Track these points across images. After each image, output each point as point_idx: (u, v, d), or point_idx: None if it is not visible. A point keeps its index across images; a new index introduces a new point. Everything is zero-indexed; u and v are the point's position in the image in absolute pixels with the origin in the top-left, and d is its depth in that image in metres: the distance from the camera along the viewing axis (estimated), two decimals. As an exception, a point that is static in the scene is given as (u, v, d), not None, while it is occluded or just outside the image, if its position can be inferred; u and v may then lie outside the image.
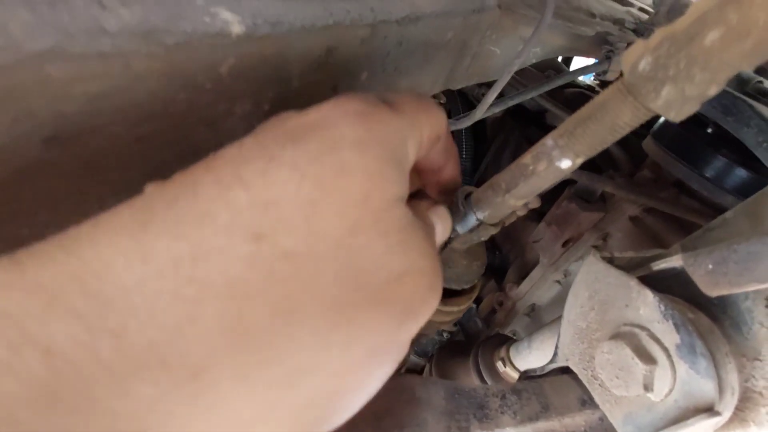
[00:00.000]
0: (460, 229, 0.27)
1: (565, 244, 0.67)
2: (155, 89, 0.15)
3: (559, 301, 0.73)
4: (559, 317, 0.55)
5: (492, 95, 0.40)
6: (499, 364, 0.59)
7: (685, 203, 0.62)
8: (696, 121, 0.68)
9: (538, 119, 0.92)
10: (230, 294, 0.13)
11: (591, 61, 0.72)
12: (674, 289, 0.28)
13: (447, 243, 0.29)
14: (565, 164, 0.22)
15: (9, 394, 0.10)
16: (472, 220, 0.27)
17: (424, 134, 0.19)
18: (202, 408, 0.12)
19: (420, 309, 0.17)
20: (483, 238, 0.28)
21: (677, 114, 0.18)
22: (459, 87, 0.47)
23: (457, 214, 0.27)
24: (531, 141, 0.92)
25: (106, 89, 0.13)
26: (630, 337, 0.25)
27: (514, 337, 0.85)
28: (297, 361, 0.14)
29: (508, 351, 0.59)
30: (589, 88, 0.91)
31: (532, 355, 0.57)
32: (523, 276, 0.79)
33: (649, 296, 0.25)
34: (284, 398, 0.14)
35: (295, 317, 0.14)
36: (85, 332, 0.11)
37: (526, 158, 0.23)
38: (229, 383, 0.13)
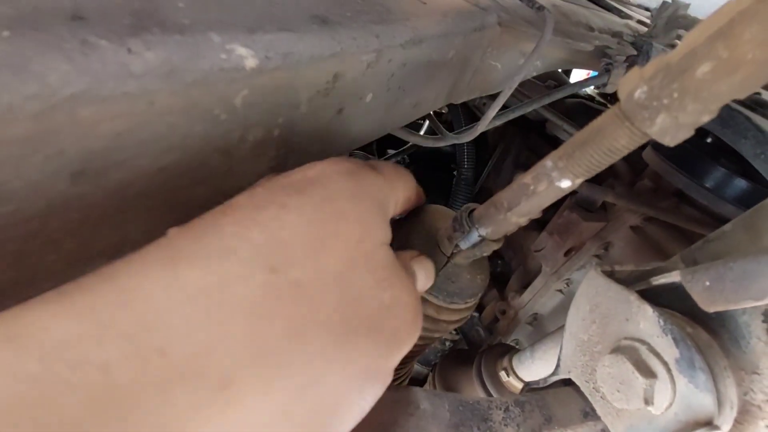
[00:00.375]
0: (464, 245, 0.28)
1: (567, 254, 0.68)
2: (175, 123, 0.15)
3: (562, 310, 0.73)
4: (562, 327, 0.55)
5: (494, 110, 0.41)
6: (502, 374, 0.59)
7: (685, 212, 0.63)
8: (695, 131, 0.68)
9: (538, 128, 0.92)
10: (252, 315, 0.15)
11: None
12: (673, 303, 0.28)
13: (449, 258, 0.29)
14: (565, 184, 0.22)
15: (72, 404, 0.12)
16: (474, 236, 0.27)
17: (400, 196, 0.24)
18: (232, 412, 0.14)
19: (404, 339, 0.20)
20: (486, 254, 0.29)
21: (672, 139, 0.19)
22: (461, 101, 0.48)
23: (460, 230, 0.28)
24: (532, 149, 0.93)
25: (130, 126, 0.14)
26: (630, 351, 0.26)
27: (517, 347, 0.86)
28: (306, 374, 0.16)
29: (510, 361, 0.59)
30: (590, 98, 0.91)
31: (535, 365, 0.57)
32: (524, 285, 0.79)
33: (648, 311, 0.26)
34: (295, 406, 0.16)
35: (304, 337, 0.16)
36: (135, 350, 0.13)
37: (527, 178, 0.24)
38: (252, 390, 0.15)
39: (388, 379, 0.19)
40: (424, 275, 0.25)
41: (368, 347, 0.18)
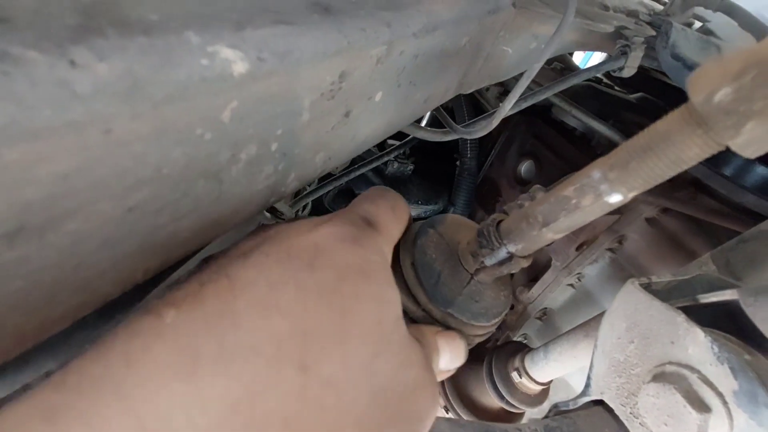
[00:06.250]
0: (488, 262, 0.25)
1: (578, 248, 0.65)
2: (144, 153, 0.12)
3: (573, 305, 0.71)
4: (578, 327, 0.53)
5: (510, 101, 0.37)
6: (514, 375, 0.57)
7: (703, 203, 0.60)
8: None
9: (544, 113, 0.88)
10: (288, 429, 0.14)
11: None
12: (722, 321, 0.25)
13: (473, 276, 0.26)
14: (615, 199, 0.19)
15: None
16: (502, 253, 0.24)
17: (395, 240, 0.24)
18: None
19: (427, 420, 0.19)
20: (513, 271, 0.26)
21: (755, 152, 0.15)
22: (470, 91, 0.44)
23: (487, 246, 0.24)
24: (537, 137, 0.90)
25: (80, 164, 0.10)
26: (679, 380, 0.23)
27: (525, 342, 0.84)
28: None
29: (523, 361, 0.57)
30: (597, 80, 0.87)
31: (549, 366, 0.55)
32: (532, 278, 0.76)
33: (699, 335, 0.23)
34: None
35: None
36: None
37: (568, 190, 0.20)
38: None
39: None
40: (450, 355, 0.23)
41: None
